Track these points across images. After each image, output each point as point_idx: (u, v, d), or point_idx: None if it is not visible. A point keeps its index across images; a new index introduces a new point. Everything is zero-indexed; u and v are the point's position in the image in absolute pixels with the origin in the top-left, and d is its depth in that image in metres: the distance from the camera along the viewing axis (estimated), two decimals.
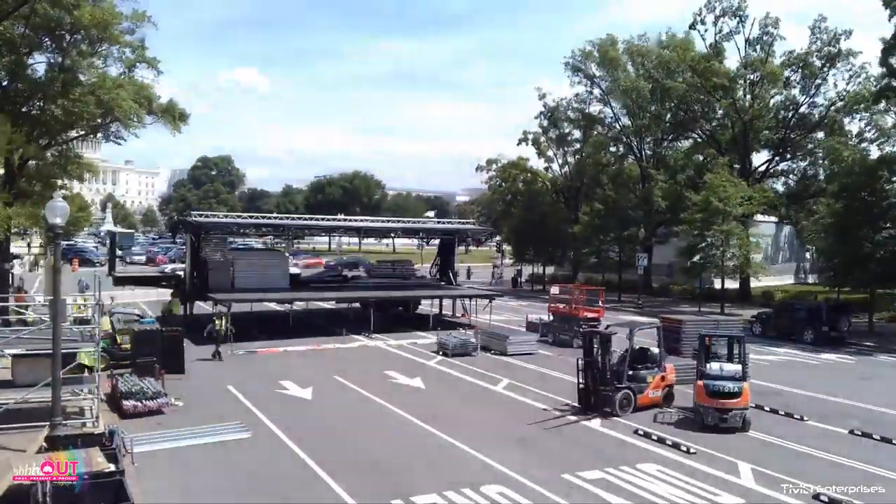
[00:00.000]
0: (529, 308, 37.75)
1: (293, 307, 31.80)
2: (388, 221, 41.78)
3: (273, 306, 34.25)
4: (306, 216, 67.87)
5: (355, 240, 48.78)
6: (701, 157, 54.25)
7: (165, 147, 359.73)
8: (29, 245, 63.71)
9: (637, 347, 18.47)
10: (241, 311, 29.44)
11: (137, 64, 30.37)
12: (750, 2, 47.12)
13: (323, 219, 45.27)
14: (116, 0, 28.41)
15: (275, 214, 50.96)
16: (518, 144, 61.38)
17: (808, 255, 58.50)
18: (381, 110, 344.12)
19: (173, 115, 31.54)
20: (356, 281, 36.72)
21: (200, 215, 33.14)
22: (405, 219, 45.27)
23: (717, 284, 43.39)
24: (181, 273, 34.97)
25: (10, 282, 32.80)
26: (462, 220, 52.67)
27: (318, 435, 15.18)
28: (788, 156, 51.37)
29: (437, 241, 40.15)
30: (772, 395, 20.20)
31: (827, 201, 42.22)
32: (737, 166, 48.40)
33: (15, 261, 36.09)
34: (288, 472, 12.89)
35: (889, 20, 33.49)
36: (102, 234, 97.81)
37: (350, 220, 39.01)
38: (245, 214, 45.05)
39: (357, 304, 34.31)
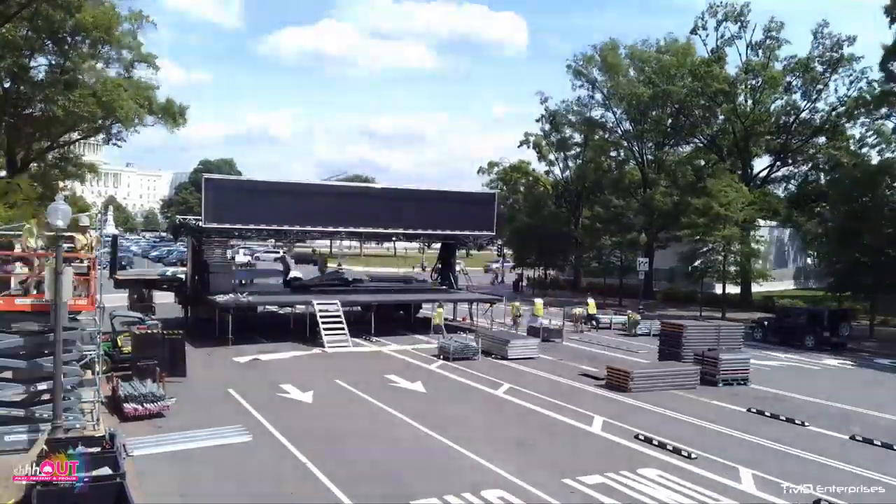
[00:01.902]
0: (531, 312, 37.72)
1: (294, 310, 31.83)
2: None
3: (274, 309, 34.24)
4: None
5: (356, 243, 48.43)
6: (702, 162, 54.41)
7: (179, 145, 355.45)
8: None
9: None
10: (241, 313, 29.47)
11: (135, 63, 30.48)
12: (752, 6, 47.35)
13: None
14: (116, 0, 28.57)
15: None
16: (518, 147, 61.65)
17: (809, 260, 58.55)
18: (381, 111, 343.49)
19: (173, 115, 31.66)
20: (357, 284, 36.70)
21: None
22: None
23: (718, 289, 43.43)
24: (182, 276, 34.96)
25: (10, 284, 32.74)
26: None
27: (318, 438, 15.16)
28: (790, 161, 51.45)
29: (438, 245, 40.07)
30: (773, 401, 20.20)
31: (827, 206, 42.30)
32: (738, 171, 48.49)
33: (17, 262, 36.04)
34: (288, 475, 12.88)
35: (889, 27, 33.69)
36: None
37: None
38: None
39: (358, 308, 34.32)
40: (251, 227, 30.14)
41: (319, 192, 34.49)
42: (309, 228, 32.55)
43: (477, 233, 36.27)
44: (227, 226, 29.36)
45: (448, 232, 35.80)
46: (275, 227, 30.97)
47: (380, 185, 43.78)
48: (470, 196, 40.42)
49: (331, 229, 33.58)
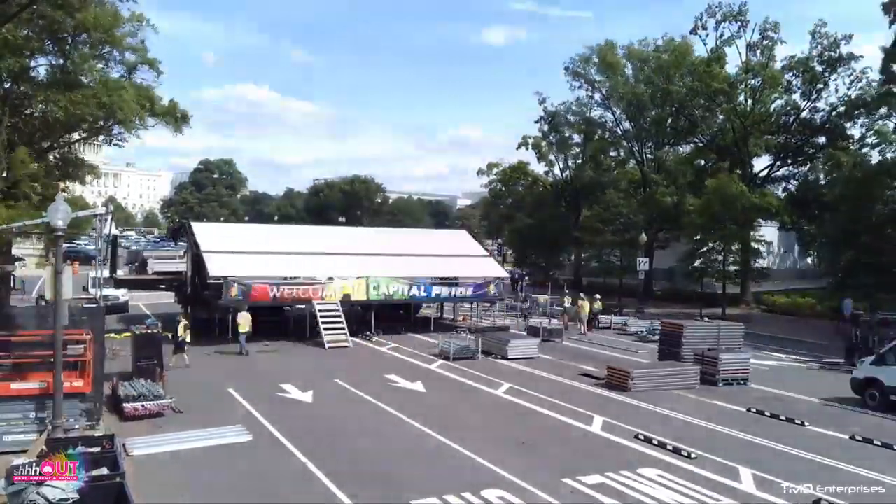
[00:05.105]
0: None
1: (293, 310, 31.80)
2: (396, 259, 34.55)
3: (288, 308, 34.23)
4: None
5: None
6: (702, 162, 54.37)
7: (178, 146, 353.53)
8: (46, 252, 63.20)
9: None
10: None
11: (139, 66, 30.55)
12: (751, 6, 47.32)
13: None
14: (117, 2, 28.62)
15: (275, 225, 50.95)
16: (517, 148, 61.63)
17: (808, 260, 58.50)
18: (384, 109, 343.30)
19: (175, 117, 31.68)
20: None
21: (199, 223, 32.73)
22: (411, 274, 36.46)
23: (719, 289, 43.38)
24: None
25: (12, 284, 32.86)
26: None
27: (318, 438, 15.18)
28: (790, 161, 51.38)
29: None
30: (772, 401, 20.21)
31: (827, 206, 42.24)
32: (738, 171, 48.43)
33: (17, 262, 36.12)
34: (288, 475, 12.88)
35: (889, 27, 33.69)
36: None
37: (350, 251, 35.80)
38: (244, 226, 44.65)
39: (358, 307, 34.29)
40: (255, 275, 29.56)
41: (317, 234, 36.03)
42: (311, 273, 32.40)
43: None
44: (230, 275, 28.58)
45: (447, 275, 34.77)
46: (279, 275, 30.59)
47: (375, 229, 45.05)
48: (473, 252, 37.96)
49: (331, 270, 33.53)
